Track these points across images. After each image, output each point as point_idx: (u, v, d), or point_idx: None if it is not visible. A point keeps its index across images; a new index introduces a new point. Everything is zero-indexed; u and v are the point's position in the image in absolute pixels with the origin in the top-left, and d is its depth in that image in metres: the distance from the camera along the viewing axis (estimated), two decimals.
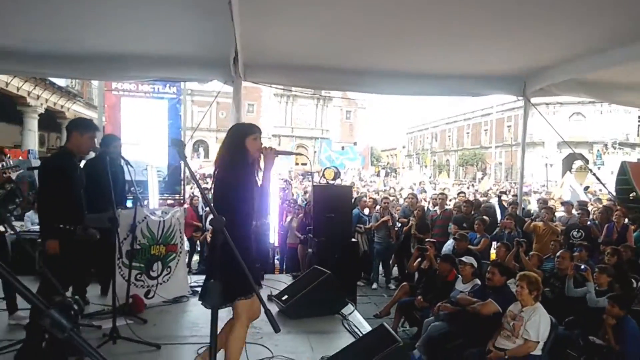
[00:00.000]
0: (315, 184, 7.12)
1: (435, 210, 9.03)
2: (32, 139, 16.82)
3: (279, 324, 4.31)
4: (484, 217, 7.98)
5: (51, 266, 3.52)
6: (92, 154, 4.30)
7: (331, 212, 6.11)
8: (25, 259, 4.34)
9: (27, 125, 16.72)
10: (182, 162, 2.48)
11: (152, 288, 4.93)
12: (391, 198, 11.28)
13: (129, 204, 5.36)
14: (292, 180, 19.68)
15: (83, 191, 3.98)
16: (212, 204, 2.85)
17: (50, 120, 18.46)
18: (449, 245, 7.39)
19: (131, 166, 4.17)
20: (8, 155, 9.50)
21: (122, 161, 4.36)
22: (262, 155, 3.01)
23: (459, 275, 5.41)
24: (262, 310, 2.11)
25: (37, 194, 4.08)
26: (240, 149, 2.95)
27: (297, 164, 33.48)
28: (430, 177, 36.22)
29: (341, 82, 7.28)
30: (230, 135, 3.06)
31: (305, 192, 13.48)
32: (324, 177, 6.59)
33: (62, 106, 18.98)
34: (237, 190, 2.88)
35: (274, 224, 7.37)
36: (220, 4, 3.71)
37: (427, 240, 7.24)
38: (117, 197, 4.29)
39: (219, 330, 2.91)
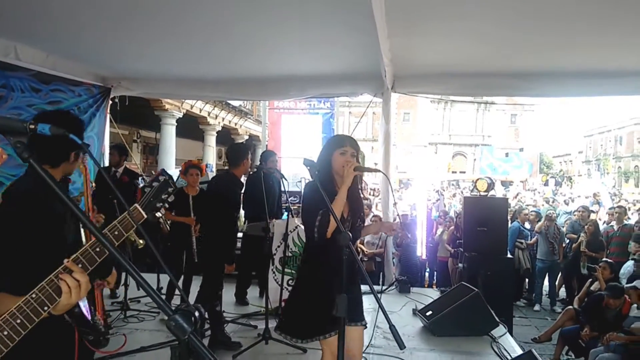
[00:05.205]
0: (466, 195, 6.80)
1: (612, 226, 7.90)
2: (211, 154, 19.10)
3: (423, 341, 4.29)
4: None
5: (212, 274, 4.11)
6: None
7: (483, 226, 5.80)
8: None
9: (207, 141, 19.04)
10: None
11: None
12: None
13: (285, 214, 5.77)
14: (443, 190, 19.00)
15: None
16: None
17: (225, 136, 20.73)
18: (628, 266, 6.42)
19: (285, 179, 4.53)
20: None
21: (278, 174, 4.77)
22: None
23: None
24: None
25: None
26: (324, 165, 2.65)
27: (454, 172, 32.23)
28: (613, 187, 31.61)
29: (503, 86, 6.39)
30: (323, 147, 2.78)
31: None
32: (476, 189, 6.29)
33: (235, 123, 21.21)
34: (308, 211, 2.58)
35: (422, 237, 7.23)
36: (366, 22, 3.83)
37: (600, 260, 6.38)
38: (271, 208, 4.69)
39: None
